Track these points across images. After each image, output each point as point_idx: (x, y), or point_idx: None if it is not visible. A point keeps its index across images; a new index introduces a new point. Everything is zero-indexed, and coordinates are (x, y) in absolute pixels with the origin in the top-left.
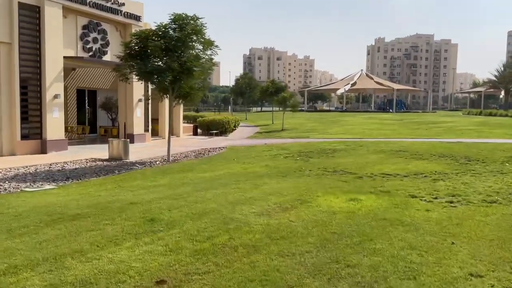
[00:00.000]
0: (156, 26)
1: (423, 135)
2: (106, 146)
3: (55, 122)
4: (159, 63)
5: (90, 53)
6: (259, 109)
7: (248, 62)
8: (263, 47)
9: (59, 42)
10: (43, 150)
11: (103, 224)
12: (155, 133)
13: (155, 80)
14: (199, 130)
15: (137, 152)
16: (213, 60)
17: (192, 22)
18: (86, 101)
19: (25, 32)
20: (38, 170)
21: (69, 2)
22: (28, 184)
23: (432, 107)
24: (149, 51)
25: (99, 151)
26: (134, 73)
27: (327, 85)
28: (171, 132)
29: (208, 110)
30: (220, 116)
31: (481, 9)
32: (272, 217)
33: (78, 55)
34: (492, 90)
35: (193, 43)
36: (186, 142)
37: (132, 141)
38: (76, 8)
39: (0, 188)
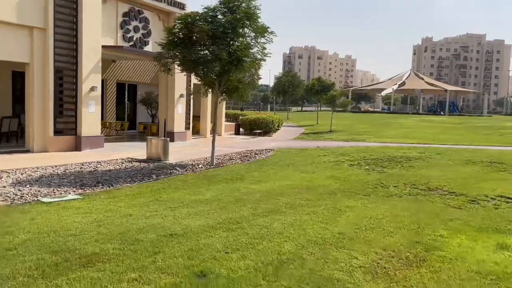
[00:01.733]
0: (203, 9)
1: (502, 142)
2: (144, 144)
3: (91, 117)
4: (205, 52)
5: (131, 43)
6: (299, 108)
7: (288, 61)
8: (304, 46)
9: (97, 29)
10: (77, 147)
11: (126, 281)
12: (195, 131)
13: (200, 72)
14: (241, 129)
15: (177, 152)
16: (266, 50)
17: (244, 5)
18: (126, 96)
19: (61, 17)
20: (67, 171)
21: None
22: (51, 189)
23: (480, 111)
24: (194, 37)
25: (137, 150)
26: (177, 63)
27: (373, 84)
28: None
29: (247, 108)
30: (264, 115)
31: None
32: (396, 281)
33: (118, 45)
34: None
35: (245, 29)
36: (229, 142)
37: (172, 139)
38: None
39: (17, 193)
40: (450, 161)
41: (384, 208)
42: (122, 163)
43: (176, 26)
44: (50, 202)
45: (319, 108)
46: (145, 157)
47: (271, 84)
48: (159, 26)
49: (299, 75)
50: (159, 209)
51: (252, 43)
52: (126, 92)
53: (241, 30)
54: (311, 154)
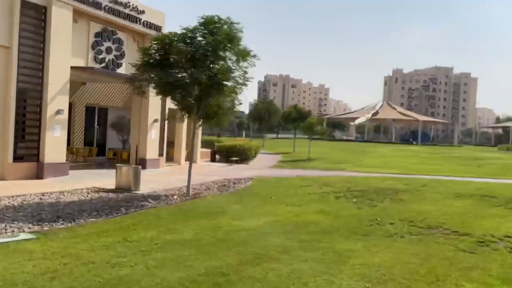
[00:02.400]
0: (182, 30)
1: (483, 174)
2: (114, 172)
3: (55, 142)
4: (183, 75)
5: (103, 65)
6: (274, 135)
7: (263, 88)
8: (279, 74)
9: (67, 49)
10: (39, 175)
11: None
12: (169, 158)
13: (177, 95)
14: (217, 156)
15: (150, 181)
16: (248, 75)
17: (225, 27)
18: (96, 120)
19: (27, 36)
20: (25, 203)
21: (82, 4)
22: (2, 226)
23: (451, 141)
24: (171, 59)
25: (105, 179)
26: (152, 85)
27: (347, 113)
28: (189, 158)
29: (222, 135)
30: (240, 141)
31: (500, 42)
32: None
33: (89, 66)
34: None
35: (226, 52)
36: (205, 169)
37: (144, 167)
38: (89, 12)
39: None
40: (439, 194)
41: (390, 253)
42: (88, 193)
43: (152, 47)
44: None
45: (295, 136)
46: (114, 187)
47: (246, 110)
48: (133, 48)
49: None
50: (128, 253)
51: (233, 67)
52: (96, 116)
53: (222, 53)
54: (293, 184)
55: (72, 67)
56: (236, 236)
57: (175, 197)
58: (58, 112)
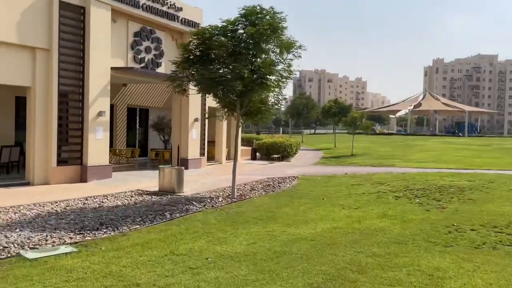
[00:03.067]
0: (222, 23)
1: None
2: (157, 172)
3: (98, 145)
4: (225, 70)
5: (142, 64)
6: (312, 131)
7: (298, 84)
8: (314, 69)
9: (106, 50)
10: (83, 178)
11: None
12: (210, 157)
13: (219, 92)
14: (257, 154)
15: (192, 181)
16: (292, 67)
17: (268, 17)
18: (137, 121)
19: (66, 37)
20: (68, 208)
21: (120, 3)
22: (43, 235)
23: (500, 131)
24: (212, 55)
25: (148, 180)
26: (192, 83)
27: (388, 106)
28: (229, 157)
29: (259, 132)
30: (280, 138)
31: None
32: None
33: (129, 66)
34: None
35: (269, 44)
36: (246, 168)
37: (186, 167)
38: (127, 11)
39: (1, 243)
40: None
41: (491, 272)
42: (131, 196)
43: (192, 42)
44: (35, 259)
45: (334, 131)
46: (157, 189)
47: (282, 107)
48: (172, 46)
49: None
50: (176, 272)
51: (277, 60)
52: (137, 117)
53: (264, 45)
54: (343, 183)
55: (112, 68)
56: (296, 248)
57: (220, 199)
58: (100, 114)
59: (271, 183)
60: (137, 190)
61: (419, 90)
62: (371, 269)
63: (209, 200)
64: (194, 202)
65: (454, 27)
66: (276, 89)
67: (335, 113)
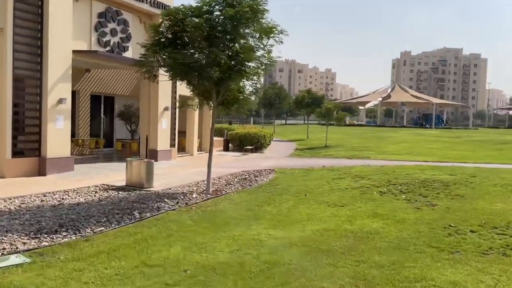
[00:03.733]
0: (197, 3)
1: None
2: (123, 165)
3: (58, 135)
4: (200, 56)
5: (107, 48)
6: (283, 122)
7: (269, 74)
8: (285, 59)
9: (67, 31)
10: (41, 171)
11: None
12: (180, 148)
13: (194, 79)
14: (230, 145)
15: (163, 174)
16: (272, 54)
17: None
18: (102, 109)
19: (23, 16)
20: (23, 206)
21: None
22: None
23: (464, 123)
24: (186, 38)
25: (115, 173)
26: (164, 69)
27: (358, 97)
28: (201, 148)
29: (230, 121)
30: (255, 129)
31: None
32: None
33: (92, 49)
34: None
35: (248, 28)
36: (220, 160)
37: (155, 159)
38: None
39: None
40: (500, 187)
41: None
42: (96, 192)
43: (163, 24)
44: None
45: (307, 122)
46: (124, 183)
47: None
48: (140, 30)
49: None
50: None
51: (256, 45)
52: (102, 105)
53: (243, 30)
54: (322, 177)
55: (74, 51)
56: (287, 257)
57: (194, 195)
58: (60, 101)
59: (247, 176)
60: (102, 184)
61: (387, 82)
62: (380, 285)
63: (182, 197)
64: (166, 199)
65: (421, 20)
66: (255, 77)
67: (308, 104)
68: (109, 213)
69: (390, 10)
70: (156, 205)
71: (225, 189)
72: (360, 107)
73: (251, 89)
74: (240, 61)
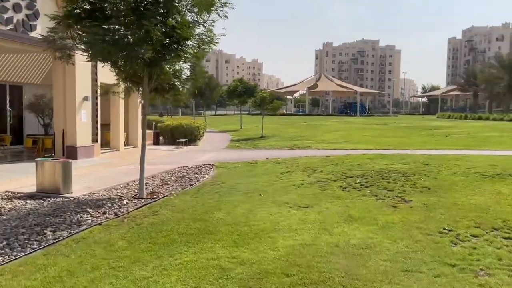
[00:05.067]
0: None
1: (462, 145)
2: (34, 165)
3: None
4: (126, 32)
5: (10, 26)
6: (213, 112)
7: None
8: (211, 50)
9: None
10: None
11: None
12: (105, 143)
13: (120, 60)
14: (160, 138)
15: (84, 175)
16: (212, 33)
17: None
18: (7, 100)
19: None
20: None
21: None
22: None
23: (383, 110)
24: (108, 9)
25: (24, 176)
26: (81, 47)
27: (287, 87)
28: (128, 142)
29: (155, 113)
30: (187, 120)
31: (418, 15)
32: None
33: None
34: (450, 93)
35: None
36: (151, 155)
37: (75, 157)
38: None
39: None
40: (461, 176)
41: None
42: None
43: None
44: None
45: (239, 112)
46: (35, 189)
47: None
48: (51, 7)
49: None
50: None
51: (195, 21)
52: (7, 96)
53: (178, 2)
54: (270, 171)
55: None
56: None
57: (124, 201)
58: None
59: (185, 173)
60: (6, 192)
61: (311, 73)
62: None
63: (109, 204)
64: (88, 209)
65: (340, 13)
66: (193, 59)
67: (241, 93)
68: (12, 234)
69: (313, 2)
70: (76, 217)
71: (161, 191)
72: (288, 97)
73: (189, 73)
74: (177, 39)
